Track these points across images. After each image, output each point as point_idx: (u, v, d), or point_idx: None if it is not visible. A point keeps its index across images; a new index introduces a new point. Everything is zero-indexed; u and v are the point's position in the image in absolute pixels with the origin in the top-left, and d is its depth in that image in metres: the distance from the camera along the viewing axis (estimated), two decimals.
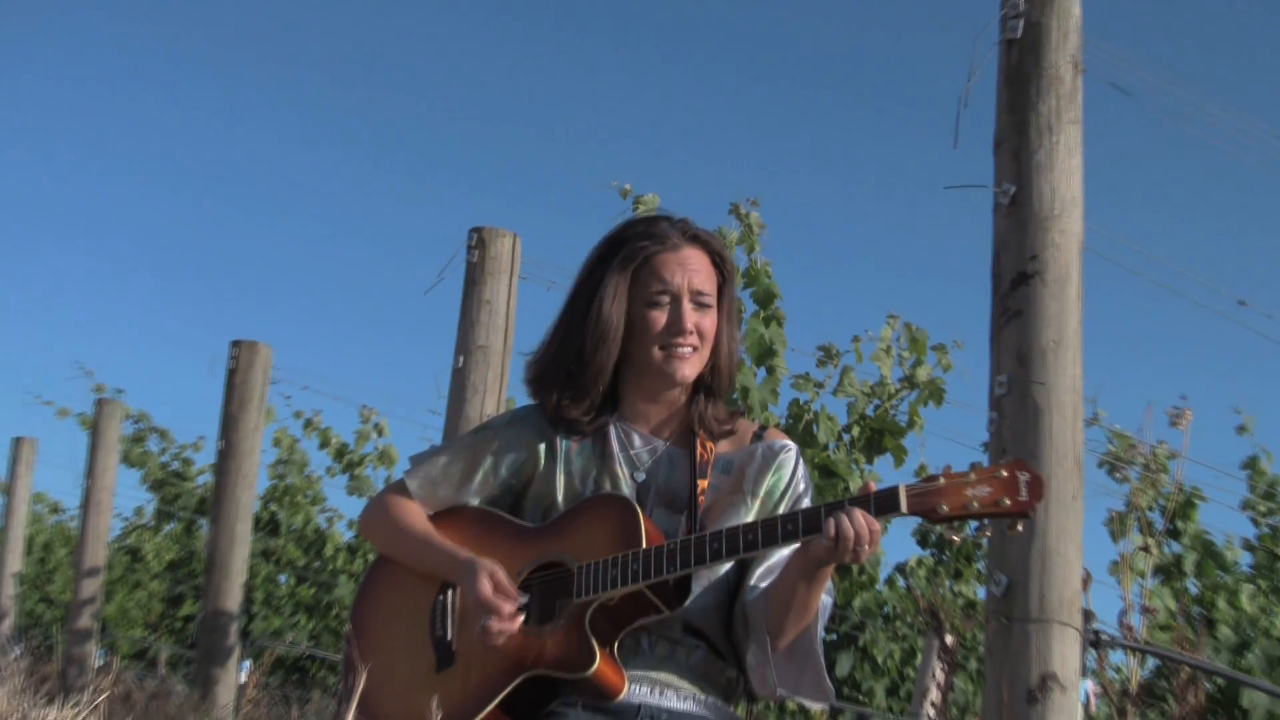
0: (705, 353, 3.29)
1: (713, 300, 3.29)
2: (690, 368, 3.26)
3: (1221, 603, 7.99)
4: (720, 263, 3.35)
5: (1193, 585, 8.15)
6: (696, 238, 3.31)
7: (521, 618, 3.07)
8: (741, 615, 3.19)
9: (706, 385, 3.36)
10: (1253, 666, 8.06)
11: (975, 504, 2.80)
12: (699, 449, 3.28)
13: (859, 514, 2.83)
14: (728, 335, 3.36)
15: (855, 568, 7.89)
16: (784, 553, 3.17)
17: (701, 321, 3.27)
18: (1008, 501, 2.78)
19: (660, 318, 3.24)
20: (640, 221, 3.43)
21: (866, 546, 2.83)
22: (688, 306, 3.24)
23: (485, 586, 3.08)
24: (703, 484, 3.24)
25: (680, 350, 3.23)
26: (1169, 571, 7.92)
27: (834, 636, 9.49)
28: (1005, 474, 2.81)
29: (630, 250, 3.30)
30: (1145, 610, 4.86)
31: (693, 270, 3.27)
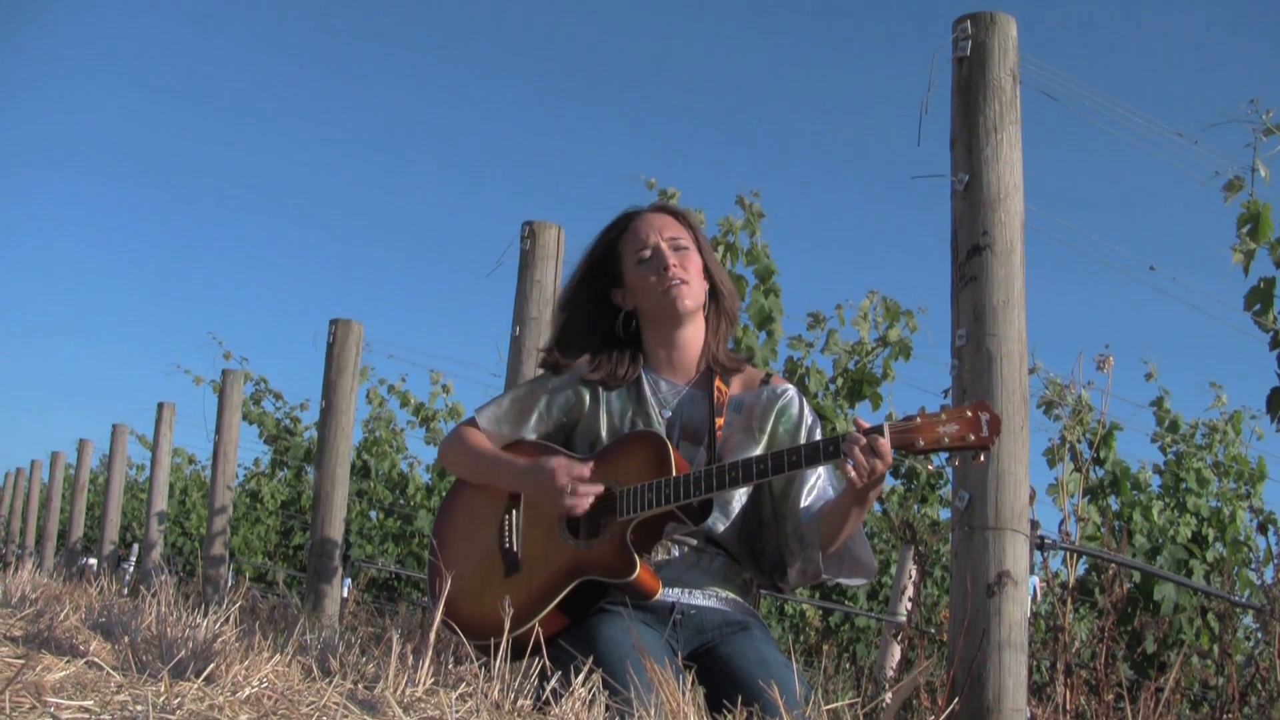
0: (697, 286, 3.32)
1: (688, 243, 3.34)
2: (689, 298, 3.30)
3: (1137, 516, 7.98)
4: (683, 218, 3.43)
5: (1114, 502, 8.15)
6: (659, 205, 3.40)
7: (600, 487, 3.10)
8: (796, 530, 3.21)
9: (717, 320, 3.40)
10: (1162, 566, 8.05)
11: (946, 439, 2.83)
12: (715, 391, 3.28)
13: (859, 445, 2.86)
14: (715, 268, 3.41)
15: None
16: (822, 476, 3.25)
17: (683, 260, 3.31)
18: (972, 437, 2.81)
19: (649, 266, 3.29)
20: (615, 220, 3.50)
21: (880, 465, 2.87)
22: (666, 249, 3.29)
23: (561, 473, 3.11)
24: (719, 421, 3.25)
25: (672, 283, 3.26)
26: (1095, 492, 7.91)
27: None
28: (970, 414, 2.83)
29: (613, 232, 3.38)
30: (1079, 520, 4.86)
31: (661, 225, 3.34)
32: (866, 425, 2.91)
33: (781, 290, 6.53)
